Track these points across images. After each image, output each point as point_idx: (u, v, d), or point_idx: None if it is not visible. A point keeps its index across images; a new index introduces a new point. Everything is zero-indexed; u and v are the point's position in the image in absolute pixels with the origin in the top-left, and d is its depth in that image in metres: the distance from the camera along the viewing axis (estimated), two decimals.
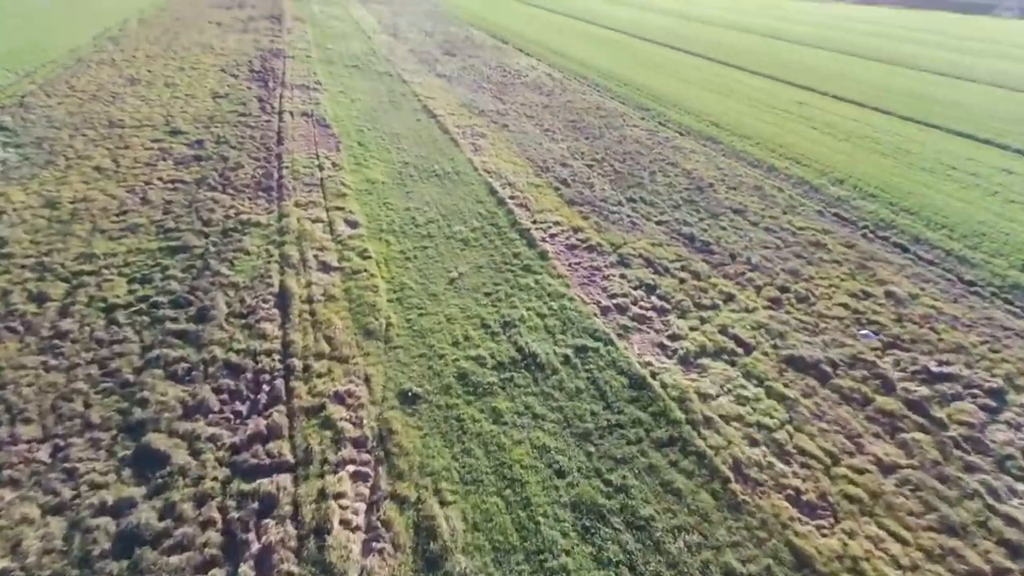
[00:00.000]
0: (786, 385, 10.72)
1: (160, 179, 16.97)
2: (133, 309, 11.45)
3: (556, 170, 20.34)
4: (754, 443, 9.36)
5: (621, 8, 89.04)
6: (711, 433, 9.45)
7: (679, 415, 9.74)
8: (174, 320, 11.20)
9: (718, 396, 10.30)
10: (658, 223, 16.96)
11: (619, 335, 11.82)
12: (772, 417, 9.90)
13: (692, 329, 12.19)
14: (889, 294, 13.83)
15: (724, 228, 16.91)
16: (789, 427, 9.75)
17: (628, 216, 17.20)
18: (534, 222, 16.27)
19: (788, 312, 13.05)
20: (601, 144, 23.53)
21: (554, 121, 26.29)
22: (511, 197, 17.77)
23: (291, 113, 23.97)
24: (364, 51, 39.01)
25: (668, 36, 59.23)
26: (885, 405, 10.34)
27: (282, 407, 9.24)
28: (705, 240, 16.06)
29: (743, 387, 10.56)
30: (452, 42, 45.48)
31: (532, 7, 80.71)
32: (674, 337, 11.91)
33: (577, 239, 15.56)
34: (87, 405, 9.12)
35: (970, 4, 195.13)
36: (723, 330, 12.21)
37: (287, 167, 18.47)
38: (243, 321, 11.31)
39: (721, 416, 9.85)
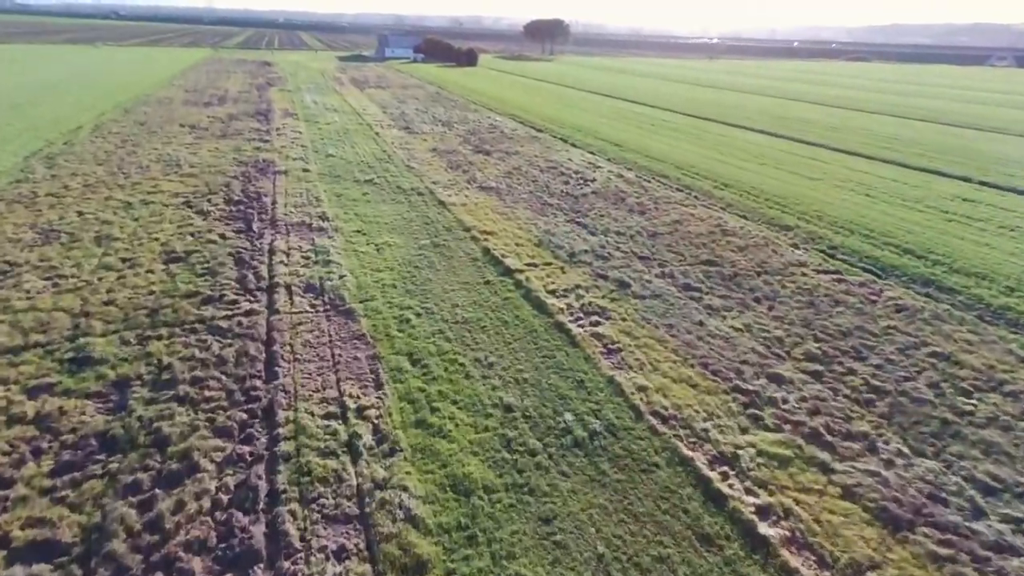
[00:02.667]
0: None
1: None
2: None
3: (774, 398, 11.16)
4: None
5: (638, 80, 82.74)
6: None
7: None
8: None
9: None
10: None
11: None
12: None
13: None
14: None
15: None
16: None
17: None
18: None
19: None
20: (792, 314, 14.57)
21: (684, 265, 17.46)
22: (760, 511, 8.41)
23: (288, 288, 14.90)
24: (377, 155, 30.72)
25: (721, 111, 50.37)
26: None
27: None
28: None
29: None
30: (478, 133, 37.60)
31: (541, 82, 74.77)
32: None
33: None
34: None
35: (963, 56, 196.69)
36: None
37: (287, 454, 9.10)
38: None
39: None
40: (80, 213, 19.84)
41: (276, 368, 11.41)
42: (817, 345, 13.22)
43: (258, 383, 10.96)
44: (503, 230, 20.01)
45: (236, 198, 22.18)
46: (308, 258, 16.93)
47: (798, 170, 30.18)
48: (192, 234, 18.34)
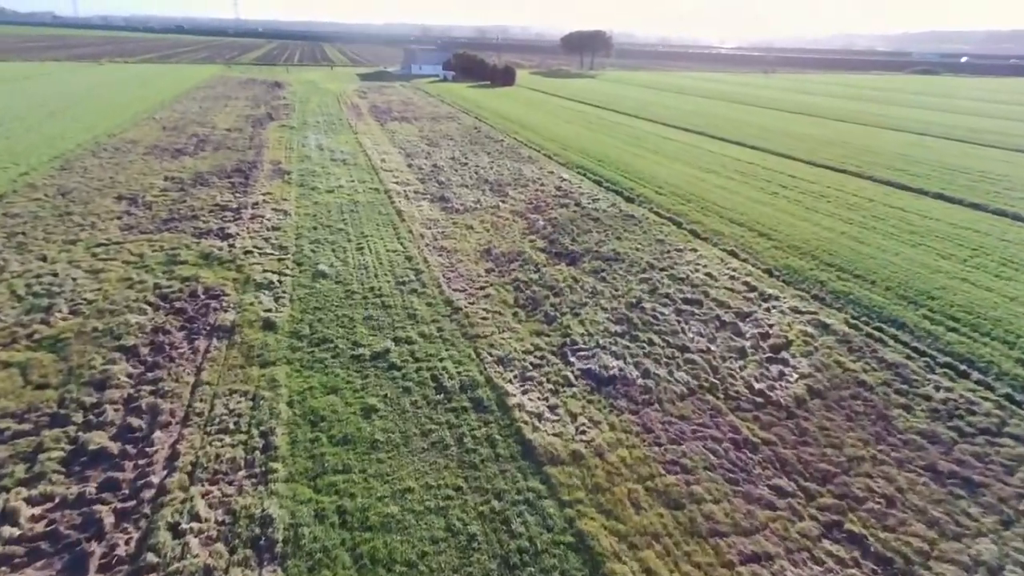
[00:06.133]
0: None
1: None
2: None
3: None
4: None
5: (708, 103, 60.82)
6: None
7: None
8: None
9: None
10: None
11: None
12: None
13: None
14: None
15: None
16: None
17: None
18: None
19: None
20: None
21: None
22: None
23: None
24: (397, 270, 18.68)
25: (859, 159, 33.01)
26: None
27: None
28: None
29: None
30: (544, 209, 25.36)
31: (595, 108, 59.88)
32: None
33: None
34: None
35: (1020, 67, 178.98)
36: None
37: None
38: None
39: None
40: None
41: None
42: None
43: None
44: None
45: (95, 446, 10.23)
46: None
47: None
48: None
